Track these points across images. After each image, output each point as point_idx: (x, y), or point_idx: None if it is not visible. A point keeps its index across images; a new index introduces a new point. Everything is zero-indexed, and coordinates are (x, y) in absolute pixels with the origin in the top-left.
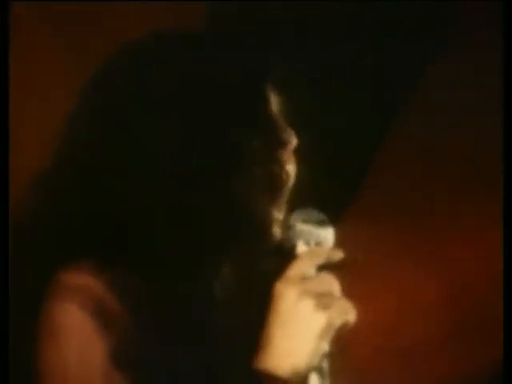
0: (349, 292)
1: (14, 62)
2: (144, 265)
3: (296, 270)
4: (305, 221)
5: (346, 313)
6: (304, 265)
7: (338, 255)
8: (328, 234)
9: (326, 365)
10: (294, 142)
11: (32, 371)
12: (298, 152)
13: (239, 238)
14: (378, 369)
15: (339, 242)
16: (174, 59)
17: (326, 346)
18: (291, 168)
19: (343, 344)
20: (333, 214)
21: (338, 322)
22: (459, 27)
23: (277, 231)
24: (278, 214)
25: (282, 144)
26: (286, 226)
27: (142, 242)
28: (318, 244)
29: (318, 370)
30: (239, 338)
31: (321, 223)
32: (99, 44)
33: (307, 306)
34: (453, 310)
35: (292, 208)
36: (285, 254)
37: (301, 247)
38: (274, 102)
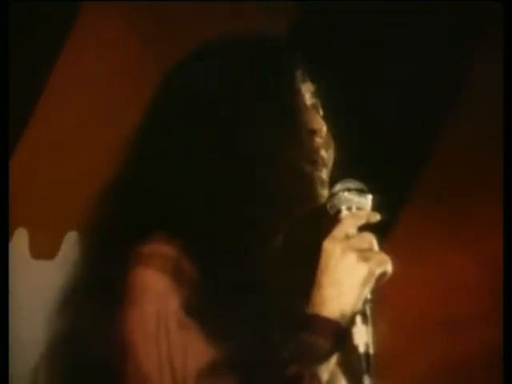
0: (406, 270)
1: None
2: (209, 233)
3: (341, 230)
4: (347, 189)
5: (384, 263)
6: (347, 226)
7: (376, 217)
8: (367, 200)
9: (368, 309)
10: (324, 128)
11: (118, 333)
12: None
13: (289, 207)
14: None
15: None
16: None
17: (368, 293)
18: (324, 153)
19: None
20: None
21: (377, 271)
22: (459, 27)
23: (323, 194)
24: (323, 191)
25: (314, 132)
26: (332, 195)
27: (207, 216)
28: (359, 209)
29: (362, 313)
30: (293, 290)
31: (361, 191)
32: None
33: (351, 258)
34: (493, 290)
35: (336, 179)
36: (331, 218)
37: (344, 212)
38: (306, 95)
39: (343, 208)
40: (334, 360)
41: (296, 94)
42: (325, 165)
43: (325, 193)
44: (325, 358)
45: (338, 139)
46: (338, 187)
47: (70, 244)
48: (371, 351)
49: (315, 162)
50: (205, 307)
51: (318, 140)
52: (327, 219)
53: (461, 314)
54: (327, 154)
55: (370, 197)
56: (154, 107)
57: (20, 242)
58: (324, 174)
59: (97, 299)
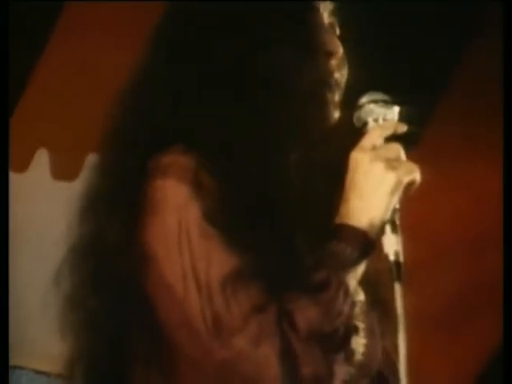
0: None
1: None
2: (225, 147)
3: (368, 140)
4: (373, 101)
5: (412, 172)
6: (374, 136)
7: (403, 128)
8: (393, 112)
9: (397, 219)
10: (340, 50)
11: (139, 244)
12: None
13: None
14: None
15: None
16: None
17: (396, 202)
18: (339, 75)
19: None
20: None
21: (405, 179)
22: (459, 28)
23: (334, 116)
24: (335, 113)
25: (330, 54)
26: (358, 107)
27: (223, 130)
28: (385, 120)
29: (391, 222)
30: (319, 202)
31: (387, 103)
32: None
33: (379, 168)
34: None
35: (362, 91)
36: (357, 131)
37: (371, 123)
38: (324, 13)
39: (370, 120)
40: (361, 269)
41: (314, 12)
42: (338, 86)
43: (336, 114)
44: (352, 266)
45: (358, 56)
46: (364, 99)
47: (92, 166)
48: (401, 259)
49: (329, 84)
50: (226, 217)
51: (333, 62)
52: (348, 136)
53: (484, 229)
54: (341, 76)
55: (396, 108)
56: (166, 28)
57: (40, 162)
58: (336, 95)
59: (118, 209)
